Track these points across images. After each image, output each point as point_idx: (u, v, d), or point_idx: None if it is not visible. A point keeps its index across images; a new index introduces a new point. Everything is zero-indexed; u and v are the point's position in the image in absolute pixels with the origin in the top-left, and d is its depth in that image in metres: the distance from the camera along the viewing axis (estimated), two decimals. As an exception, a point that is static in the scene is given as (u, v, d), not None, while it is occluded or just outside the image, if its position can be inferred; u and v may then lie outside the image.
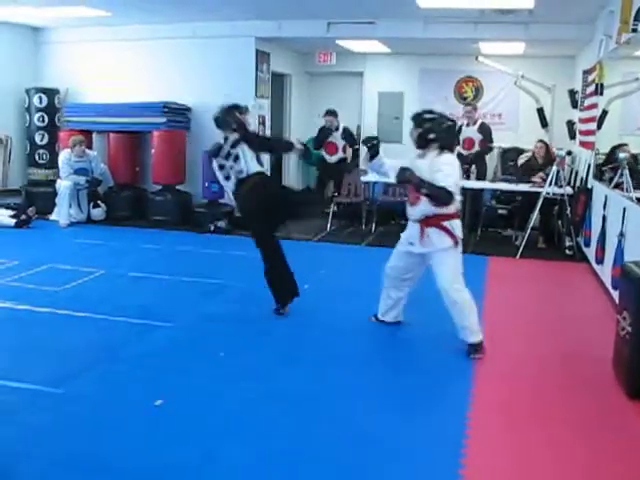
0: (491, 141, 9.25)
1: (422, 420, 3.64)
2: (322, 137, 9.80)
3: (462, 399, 3.90)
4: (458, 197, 4.55)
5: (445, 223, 4.57)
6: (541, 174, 8.42)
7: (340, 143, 9.78)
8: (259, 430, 3.46)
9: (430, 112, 4.70)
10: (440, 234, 4.57)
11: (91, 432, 3.39)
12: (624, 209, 5.61)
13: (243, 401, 3.80)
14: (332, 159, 9.84)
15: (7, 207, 9.12)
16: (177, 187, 9.66)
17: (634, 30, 5.42)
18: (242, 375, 4.19)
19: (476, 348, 4.59)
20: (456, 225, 4.61)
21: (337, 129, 9.71)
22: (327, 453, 3.25)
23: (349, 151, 10.07)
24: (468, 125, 9.24)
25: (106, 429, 3.43)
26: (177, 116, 9.59)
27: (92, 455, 3.16)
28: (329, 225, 9.32)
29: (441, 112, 4.76)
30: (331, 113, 9.63)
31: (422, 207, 4.56)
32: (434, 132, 4.55)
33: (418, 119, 4.65)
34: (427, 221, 4.59)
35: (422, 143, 4.61)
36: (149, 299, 5.79)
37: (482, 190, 9.04)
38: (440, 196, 4.42)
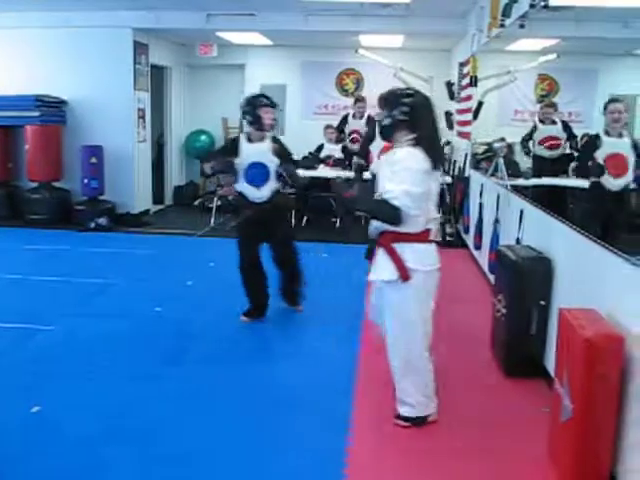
0: (374, 133, 9.39)
1: (306, 414, 3.67)
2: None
3: (346, 381, 3.99)
4: (414, 210, 3.17)
5: (395, 245, 3.29)
6: None
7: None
8: (143, 432, 3.39)
9: (401, 90, 3.47)
10: (386, 260, 3.31)
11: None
12: (498, 196, 5.87)
13: (126, 403, 3.72)
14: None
15: None
16: (54, 184, 9.25)
17: (502, 25, 5.68)
18: (126, 376, 4.08)
19: (406, 419, 3.50)
20: (412, 250, 3.27)
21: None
22: (216, 452, 3.23)
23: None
24: (355, 117, 9.36)
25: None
26: (52, 110, 9.16)
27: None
28: (212, 220, 9.20)
29: (408, 87, 3.65)
30: None
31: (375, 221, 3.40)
32: (390, 117, 3.32)
33: (379, 103, 3.45)
34: (380, 239, 3.38)
35: (384, 133, 3.41)
36: (28, 302, 5.54)
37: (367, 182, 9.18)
38: (381, 215, 3.28)
